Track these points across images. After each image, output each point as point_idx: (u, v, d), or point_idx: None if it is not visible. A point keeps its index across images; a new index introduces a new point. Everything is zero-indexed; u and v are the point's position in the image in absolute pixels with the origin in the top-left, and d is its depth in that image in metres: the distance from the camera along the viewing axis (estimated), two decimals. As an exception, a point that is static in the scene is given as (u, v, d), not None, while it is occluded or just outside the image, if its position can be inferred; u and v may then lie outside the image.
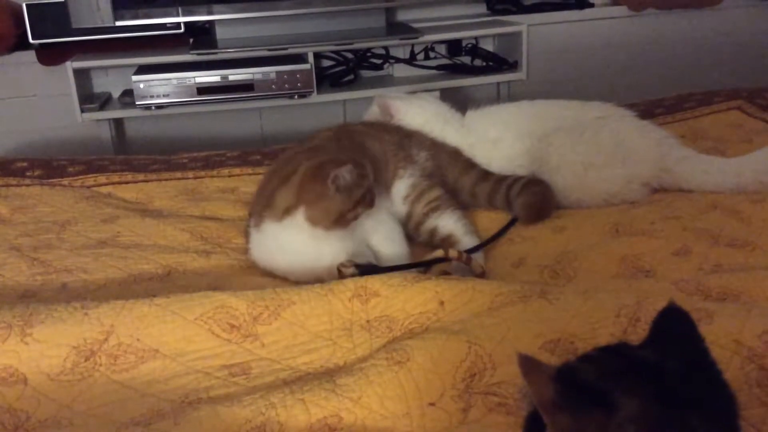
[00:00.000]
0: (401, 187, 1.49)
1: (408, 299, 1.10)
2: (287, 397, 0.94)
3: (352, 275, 1.20)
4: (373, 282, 1.13)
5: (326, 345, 1.06)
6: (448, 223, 1.44)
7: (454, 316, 1.06)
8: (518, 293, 1.07)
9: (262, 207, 1.33)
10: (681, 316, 0.69)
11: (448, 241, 1.42)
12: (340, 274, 1.23)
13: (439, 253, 1.29)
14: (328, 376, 0.98)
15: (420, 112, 1.70)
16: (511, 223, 1.48)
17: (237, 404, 0.94)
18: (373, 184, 1.30)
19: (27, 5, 2.47)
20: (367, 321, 1.08)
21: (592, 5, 2.90)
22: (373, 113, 1.75)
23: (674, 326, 0.69)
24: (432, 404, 0.93)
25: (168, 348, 1.04)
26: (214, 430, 0.91)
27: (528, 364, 0.64)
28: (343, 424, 0.91)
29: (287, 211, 1.27)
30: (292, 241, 1.29)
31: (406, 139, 1.58)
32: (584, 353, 0.70)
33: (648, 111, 1.96)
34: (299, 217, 1.26)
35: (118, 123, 2.74)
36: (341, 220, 1.27)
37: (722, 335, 0.94)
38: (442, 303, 1.08)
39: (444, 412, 0.93)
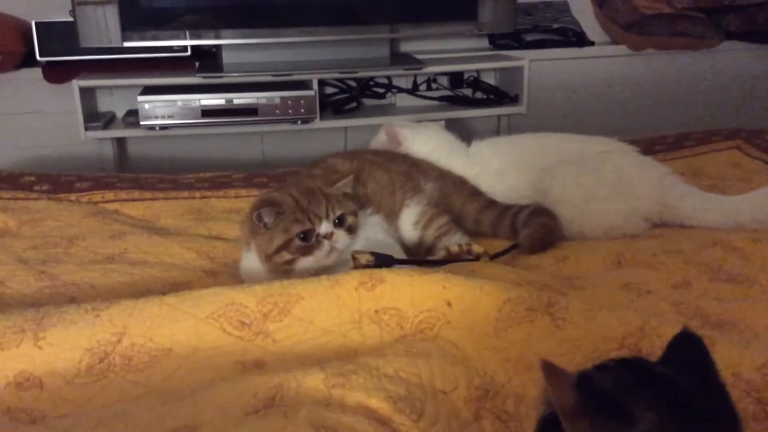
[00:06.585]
0: (410, 214, 1.52)
1: (416, 292, 1.11)
2: (305, 363, 0.98)
3: (367, 263, 1.23)
4: (379, 270, 1.15)
5: (336, 338, 1.08)
6: (460, 242, 1.47)
7: (463, 321, 1.08)
8: (525, 303, 1.09)
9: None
10: (694, 340, 0.73)
11: None
12: (354, 261, 1.25)
13: (441, 254, 1.37)
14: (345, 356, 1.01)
15: (426, 141, 1.73)
16: (513, 247, 1.50)
17: (253, 374, 0.98)
18: (313, 233, 1.28)
19: (36, 23, 2.50)
20: (376, 311, 1.10)
21: (592, 43, 2.95)
22: (380, 140, 1.77)
23: (687, 349, 0.73)
24: (444, 392, 0.96)
25: (181, 347, 1.05)
26: (232, 393, 0.94)
27: (550, 370, 0.66)
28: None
29: (248, 244, 1.33)
30: (251, 270, 1.33)
31: (414, 168, 1.62)
32: (601, 362, 0.72)
33: (648, 148, 1.99)
34: (253, 250, 1.32)
35: (121, 142, 2.76)
36: (269, 261, 1.28)
37: (721, 367, 0.95)
38: (449, 303, 1.10)
39: (453, 405, 0.95)
